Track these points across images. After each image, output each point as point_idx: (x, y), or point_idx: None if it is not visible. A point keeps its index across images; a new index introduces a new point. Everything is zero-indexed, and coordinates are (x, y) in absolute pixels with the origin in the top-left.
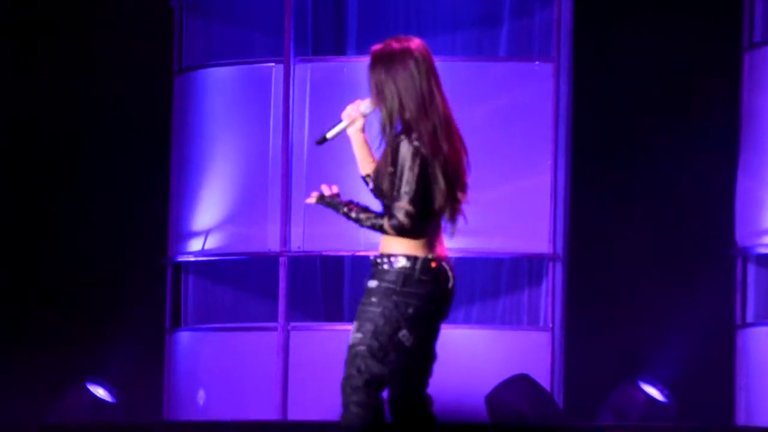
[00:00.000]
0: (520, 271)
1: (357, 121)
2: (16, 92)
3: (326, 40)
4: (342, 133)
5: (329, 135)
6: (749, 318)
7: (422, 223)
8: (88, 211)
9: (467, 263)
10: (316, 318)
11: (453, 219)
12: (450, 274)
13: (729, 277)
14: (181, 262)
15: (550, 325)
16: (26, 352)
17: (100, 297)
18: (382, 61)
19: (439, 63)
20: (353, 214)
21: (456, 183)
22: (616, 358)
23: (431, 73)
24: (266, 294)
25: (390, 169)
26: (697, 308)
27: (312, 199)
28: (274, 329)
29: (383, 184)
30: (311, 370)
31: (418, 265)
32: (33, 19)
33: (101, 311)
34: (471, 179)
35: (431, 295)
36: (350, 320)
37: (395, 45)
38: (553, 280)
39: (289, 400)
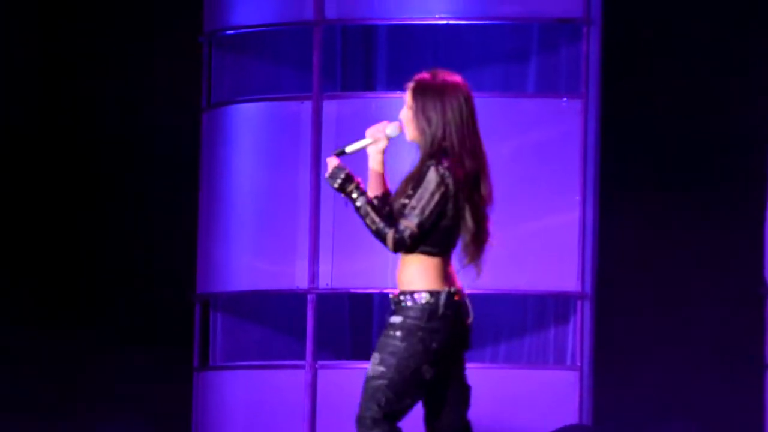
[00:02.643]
0: (546, 308)
1: (380, 141)
2: (44, 128)
3: (355, 75)
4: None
5: (348, 149)
6: None
7: (440, 252)
8: (116, 247)
9: (493, 301)
10: (344, 356)
11: (478, 259)
12: (469, 307)
13: (759, 315)
14: (209, 299)
15: (579, 364)
16: (50, 388)
17: (128, 334)
18: (434, 90)
19: None
20: (358, 202)
21: (483, 224)
22: (646, 398)
23: (475, 113)
24: (294, 331)
25: (410, 191)
26: (727, 347)
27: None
28: (302, 367)
29: (395, 203)
30: (339, 408)
31: (441, 300)
32: (63, 55)
33: (129, 348)
34: (499, 215)
35: (454, 329)
36: None
37: (447, 77)
38: (582, 319)
39: None
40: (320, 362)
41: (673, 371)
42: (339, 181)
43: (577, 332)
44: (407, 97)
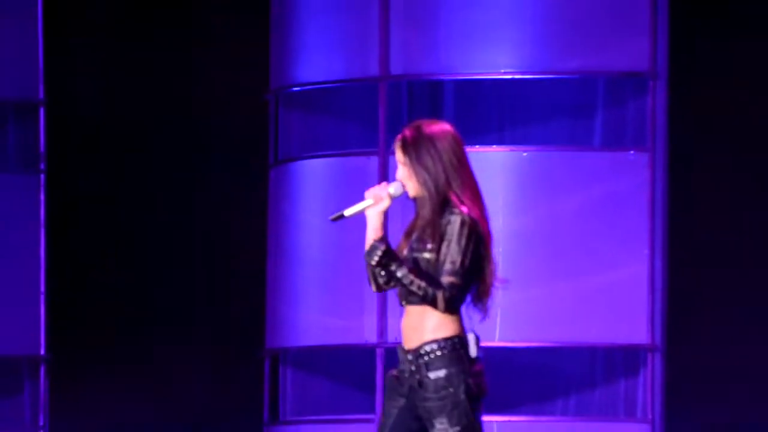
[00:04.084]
0: (615, 361)
1: (383, 202)
2: (117, 184)
3: None
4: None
5: (347, 213)
6: None
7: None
8: (185, 303)
9: (563, 354)
10: None
11: (487, 301)
12: None
13: None
14: (278, 354)
15: (650, 416)
16: None
17: (198, 390)
18: (423, 138)
19: (534, 152)
20: (399, 273)
21: (494, 266)
22: None
23: (467, 156)
24: (363, 385)
25: (432, 244)
26: None
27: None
28: (372, 421)
29: (416, 258)
30: None
31: (471, 342)
32: (133, 110)
33: (200, 405)
34: (568, 268)
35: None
36: None
37: (432, 124)
38: (652, 371)
39: None
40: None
41: (747, 423)
42: (376, 258)
43: (648, 384)
44: (398, 154)
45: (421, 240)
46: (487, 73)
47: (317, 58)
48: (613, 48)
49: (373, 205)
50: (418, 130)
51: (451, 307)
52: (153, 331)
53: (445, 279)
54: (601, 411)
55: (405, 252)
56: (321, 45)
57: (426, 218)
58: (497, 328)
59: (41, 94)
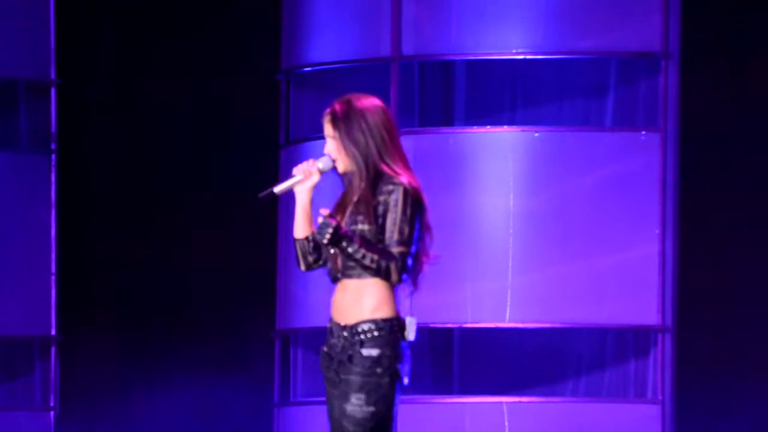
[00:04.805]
0: (625, 342)
1: (312, 177)
2: (123, 163)
3: (433, 111)
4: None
5: (277, 190)
6: None
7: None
8: (196, 284)
9: (573, 335)
10: (424, 391)
11: (420, 274)
12: None
13: None
14: (288, 335)
15: (660, 397)
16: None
17: (209, 371)
18: (353, 112)
19: (546, 133)
20: (351, 248)
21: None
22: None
23: (398, 130)
24: None
25: (370, 216)
26: None
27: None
28: None
29: (374, 233)
30: None
31: (409, 326)
32: (141, 94)
33: (210, 386)
34: (578, 249)
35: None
36: (460, 393)
37: (364, 99)
38: (663, 352)
39: None
40: (400, 396)
41: (758, 404)
42: (328, 236)
43: (658, 365)
44: (327, 128)
45: (356, 213)
46: (499, 54)
47: (329, 39)
48: (625, 28)
49: (302, 181)
50: (348, 104)
51: (403, 277)
52: (163, 311)
53: (396, 249)
54: (612, 392)
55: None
56: (333, 25)
57: (359, 192)
58: (507, 309)
59: (53, 74)
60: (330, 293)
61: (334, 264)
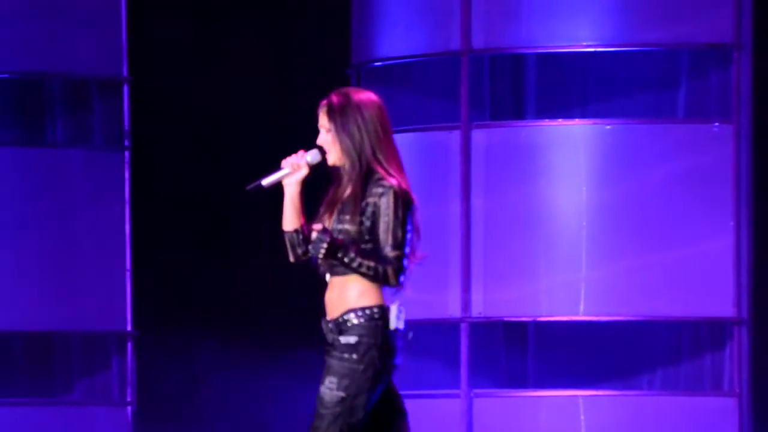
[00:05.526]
0: (701, 334)
1: (301, 170)
2: (199, 162)
3: (504, 104)
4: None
5: (265, 182)
6: None
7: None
8: (268, 280)
9: (648, 327)
10: (499, 384)
11: (405, 274)
12: None
13: None
14: None
15: (737, 390)
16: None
17: (282, 362)
18: (349, 106)
19: (617, 126)
20: (346, 259)
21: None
22: None
23: (391, 127)
24: (448, 360)
25: (364, 216)
26: None
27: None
28: (457, 396)
29: (344, 233)
30: None
31: (392, 315)
32: (211, 93)
33: (283, 377)
34: (652, 242)
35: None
36: (535, 387)
37: (359, 92)
38: (739, 344)
39: None
40: (475, 390)
41: None
42: (323, 250)
43: (734, 358)
44: (322, 120)
45: (343, 213)
46: (570, 47)
47: (399, 33)
48: (696, 19)
49: (290, 174)
50: (345, 96)
51: (400, 280)
52: (237, 307)
53: (391, 253)
54: (688, 385)
55: (328, 222)
56: (403, 19)
57: (350, 189)
58: (582, 302)
59: (125, 71)
60: (412, 287)
61: (322, 262)
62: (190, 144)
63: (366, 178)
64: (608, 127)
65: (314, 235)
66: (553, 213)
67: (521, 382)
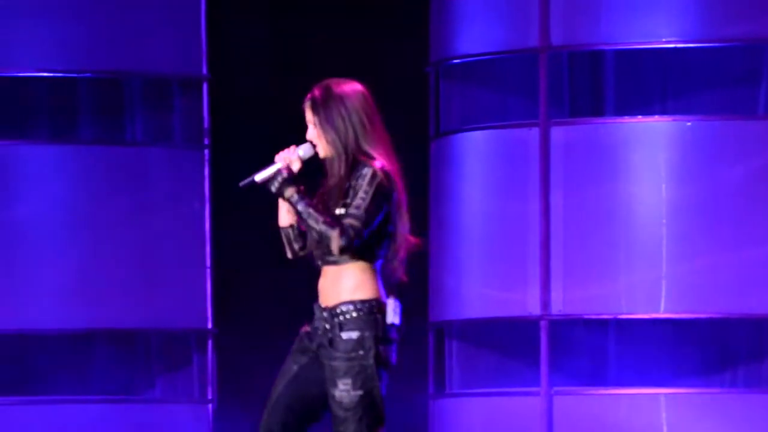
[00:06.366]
0: None
1: (294, 165)
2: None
3: (583, 101)
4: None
5: (258, 178)
6: None
7: (379, 258)
8: None
9: (729, 325)
10: (579, 382)
11: (400, 261)
12: None
13: None
14: (442, 326)
15: None
16: None
17: None
18: (332, 97)
19: (698, 122)
20: (300, 205)
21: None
22: None
23: (379, 115)
24: (528, 358)
25: (344, 198)
26: None
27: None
28: (537, 394)
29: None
30: None
31: (391, 309)
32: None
33: None
34: (731, 239)
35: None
36: (616, 384)
37: (342, 83)
38: None
39: None
40: (555, 388)
41: None
42: (276, 184)
43: None
44: (307, 114)
45: (329, 200)
46: (649, 42)
47: (477, 30)
48: None
49: (284, 169)
50: (327, 89)
51: (345, 248)
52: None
53: (346, 220)
54: None
55: None
56: (481, 16)
57: (336, 178)
58: (662, 299)
59: (204, 70)
60: (482, 285)
61: (316, 251)
62: (268, 142)
63: (351, 167)
64: (688, 123)
65: (301, 148)
66: (632, 210)
67: (601, 380)
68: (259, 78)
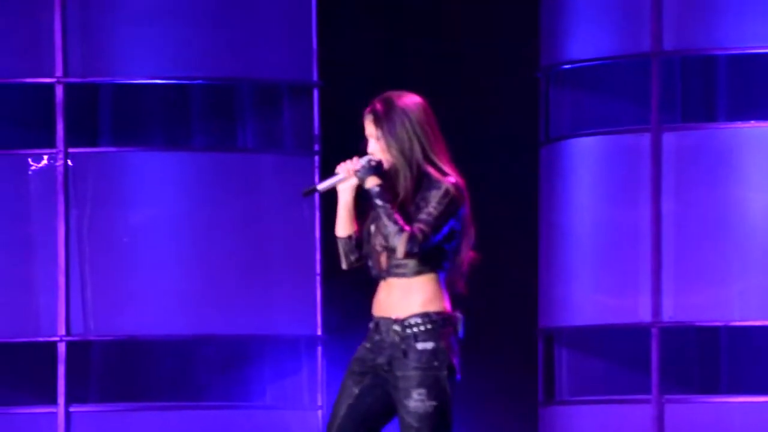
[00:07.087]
0: None
1: (353, 176)
2: None
3: (695, 106)
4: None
5: (320, 187)
6: None
7: (449, 269)
8: None
9: None
10: (690, 390)
11: (463, 274)
12: None
13: None
14: (552, 333)
15: None
16: None
17: (472, 370)
18: (394, 110)
19: None
20: (379, 198)
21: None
22: None
23: (438, 127)
24: (638, 365)
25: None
26: None
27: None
28: (648, 402)
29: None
30: None
31: (459, 322)
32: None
33: (474, 384)
34: None
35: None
36: (728, 392)
37: (402, 96)
38: None
39: None
40: (667, 396)
41: None
42: (363, 171)
43: None
44: (368, 128)
45: (400, 211)
46: (763, 48)
47: (588, 35)
48: None
49: (344, 180)
50: (388, 101)
51: (410, 253)
52: None
53: (416, 225)
54: None
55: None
56: (591, 21)
57: (403, 193)
58: (735, 307)
59: (315, 76)
60: (593, 291)
61: (378, 263)
62: None
63: (419, 180)
64: None
65: (364, 160)
66: (745, 216)
67: (713, 388)
68: (369, 84)
